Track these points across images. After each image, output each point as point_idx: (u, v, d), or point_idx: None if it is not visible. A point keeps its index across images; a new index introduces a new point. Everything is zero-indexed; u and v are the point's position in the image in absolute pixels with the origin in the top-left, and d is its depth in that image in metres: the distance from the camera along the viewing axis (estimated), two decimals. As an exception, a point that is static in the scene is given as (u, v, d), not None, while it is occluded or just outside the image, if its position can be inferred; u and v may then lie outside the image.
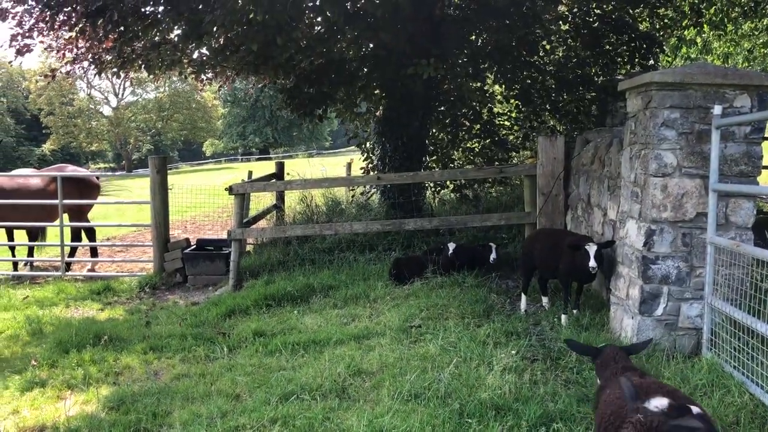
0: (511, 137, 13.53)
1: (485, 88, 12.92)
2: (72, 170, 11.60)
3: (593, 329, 6.22)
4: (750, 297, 4.79)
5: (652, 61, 12.09)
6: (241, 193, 9.49)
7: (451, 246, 8.35)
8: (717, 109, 5.13)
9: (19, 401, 5.43)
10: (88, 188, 11.32)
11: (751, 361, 4.51)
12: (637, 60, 11.87)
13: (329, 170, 19.74)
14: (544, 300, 7.12)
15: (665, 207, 5.40)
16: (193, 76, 11.54)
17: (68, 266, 11.10)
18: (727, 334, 4.92)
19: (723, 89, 5.29)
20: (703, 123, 5.31)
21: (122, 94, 61.97)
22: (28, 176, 11.29)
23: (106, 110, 61.90)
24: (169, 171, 11.15)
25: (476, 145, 13.12)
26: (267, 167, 24.03)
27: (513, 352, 5.39)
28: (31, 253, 11.44)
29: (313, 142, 71.35)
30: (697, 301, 5.42)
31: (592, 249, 5.99)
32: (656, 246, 5.44)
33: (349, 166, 18.37)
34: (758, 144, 5.35)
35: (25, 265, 11.39)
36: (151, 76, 11.78)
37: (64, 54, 11.13)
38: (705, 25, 14.96)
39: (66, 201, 10.63)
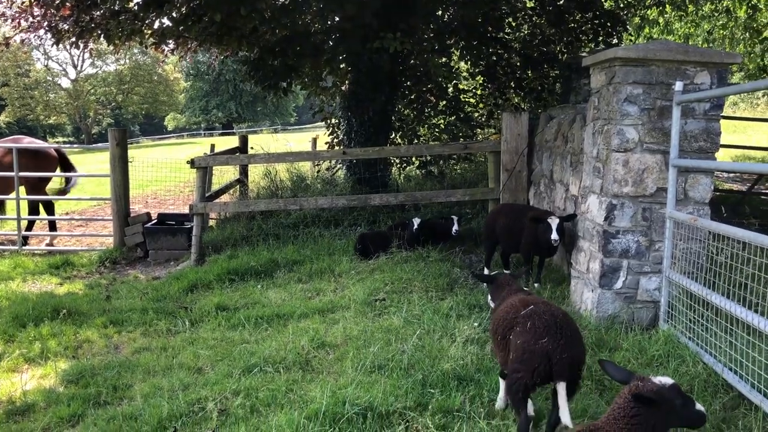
0: (476, 114, 13.57)
1: (451, 64, 12.91)
2: (29, 142, 11.26)
3: (554, 302, 6.31)
4: (706, 270, 4.91)
5: (615, 40, 12.20)
6: (203, 167, 9.34)
7: (416, 221, 8.37)
8: (678, 85, 5.20)
9: (-27, 376, 5.30)
10: (46, 161, 11.01)
11: (705, 332, 4.64)
12: (601, 38, 11.97)
13: (295, 146, 19.57)
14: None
15: (626, 182, 5.48)
16: (154, 46, 11.25)
17: (25, 240, 10.83)
18: (683, 307, 5.04)
19: (684, 66, 5.37)
20: (664, 99, 5.39)
21: (81, 66, 60.28)
22: (-18, 148, 10.93)
23: (65, 82, 60.21)
24: (130, 145, 10.93)
25: (442, 121, 13.13)
26: (230, 142, 23.70)
27: (475, 324, 5.44)
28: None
29: (277, 118, 70.56)
30: (656, 275, 5.54)
31: (554, 222, 6.08)
32: (617, 220, 5.53)
33: (314, 141, 18.24)
34: (717, 121, 5.45)
35: (-20, 239, 11.08)
36: (111, 47, 11.46)
37: (19, 22, 10.74)
38: (667, 6, 15.14)
39: (22, 174, 10.34)
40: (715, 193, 10.48)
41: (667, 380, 2.78)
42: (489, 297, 4.53)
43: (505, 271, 6.12)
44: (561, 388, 3.37)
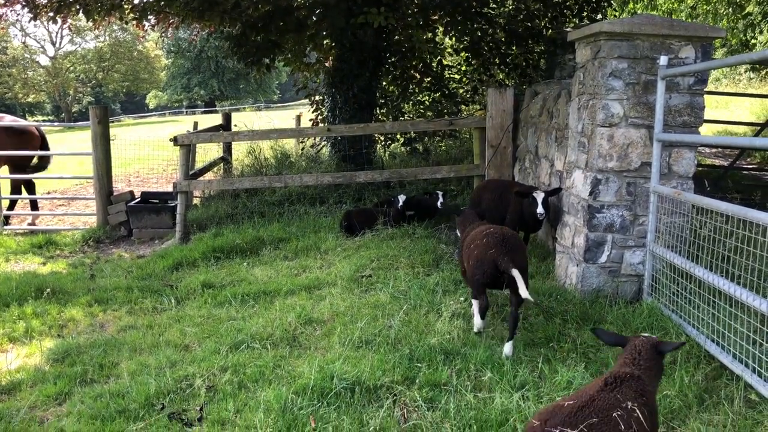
0: (461, 91, 13.53)
1: (436, 40, 12.83)
2: (10, 120, 11.07)
3: (539, 276, 6.37)
4: (690, 243, 4.96)
5: (600, 16, 12.17)
6: (186, 144, 9.25)
7: (401, 198, 8.37)
8: (663, 60, 5.21)
9: (-43, 355, 5.26)
10: (28, 140, 10.84)
11: (688, 304, 4.70)
12: (585, 14, 11.93)
13: (279, 124, 19.41)
14: (493, 250, 7.23)
15: (611, 157, 5.50)
16: (135, 22, 11.08)
17: (7, 220, 10.70)
18: (666, 280, 5.09)
19: (669, 40, 5.37)
20: (649, 74, 5.39)
21: (60, 43, 59.18)
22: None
23: (43, 60, 59.10)
24: (111, 124, 10.77)
25: (426, 98, 13.08)
26: (213, 120, 23.49)
27: (461, 299, 5.47)
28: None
29: (260, 95, 69.90)
30: (640, 249, 5.59)
31: (539, 196, 6.11)
32: (602, 195, 5.55)
33: (298, 119, 18.10)
34: (701, 95, 5.47)
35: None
36: (90, 23, 11.26)
37: (-6, -3, 10.53)
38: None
39: (3, 153, 10.18)
40: (698, 168, 10.57)
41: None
42: (457, 229, 5.56)
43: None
44: (515, 273, 4.36)
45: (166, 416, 3.98)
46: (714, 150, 15.25)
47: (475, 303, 4.89)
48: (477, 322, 4.85)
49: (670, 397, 3.83)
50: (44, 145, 11.17)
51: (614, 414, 2.60)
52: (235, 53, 10.80)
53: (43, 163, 11.39)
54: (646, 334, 3.26)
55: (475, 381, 4.19)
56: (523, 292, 4.30)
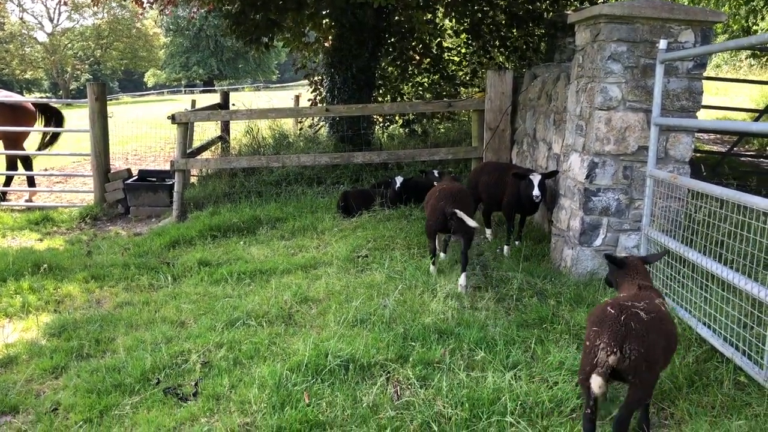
0: (460, 73, 13.48)
1: (436, 21, 12.76)
2: (5, 95, 11.02)
3: (534, 259, 6.41)
4: (684, 228, 4.98)
5: (601, -1, 12.10)
6: (184, 122, 9.22)
7: (399, 179, 8.37)
8: (662, 44, 5.18)
9: (-46, 329, 5.28)
10: (25, 115, 10.80)
11: (681, 288, 4.73)
12: (586, -3, 11.87)
13: (278, 104, 19.34)
14: (488, 232, 7.26)
15: (608, 140, 5.50)
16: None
17: (3, 196, 10.69)
18: (661, 263, 5.12)
19: (669, 24, 5.35)
20: (648, 57, 5.38)
21: (58, 20, 58.80)
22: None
23: (41, 36, 58.71)
24: (109, 102, 10.72)
25: (425, 80, 13.04)
26: (211, 99, 23.38)
27: (456, 279, 5.50)
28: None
29: (259, 75, 69.53)
30: (635, 233, 5.61)
31: (536, 178, 6.12)
32: (598, 178, 5.57)
33: (296, 99, 18.04)
34: (699, 80, 5.47)
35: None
36: (89, 0, 11.16)
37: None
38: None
39: (1, 128, 10.14)
40: (695, 154, 10.57)
41: None
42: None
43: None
44: (460, 213, 5.37)
45: (161, 391, 4.02)
46: (712, 136, 15.25)
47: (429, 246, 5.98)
48: (431, 268, 5.84)
49: (661, 379, 3.87)
50: (59, 121, 11.15)
51: (656, 301, 3.35)
52: (233, 32, 10.73)
53: (53, 140, 11.38)
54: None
55: (468, 360, 4.22)
56: (470, 222, 5.33)
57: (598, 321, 3.13)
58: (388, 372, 4.04)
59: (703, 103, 5.69)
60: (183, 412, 3.78)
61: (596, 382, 2.94)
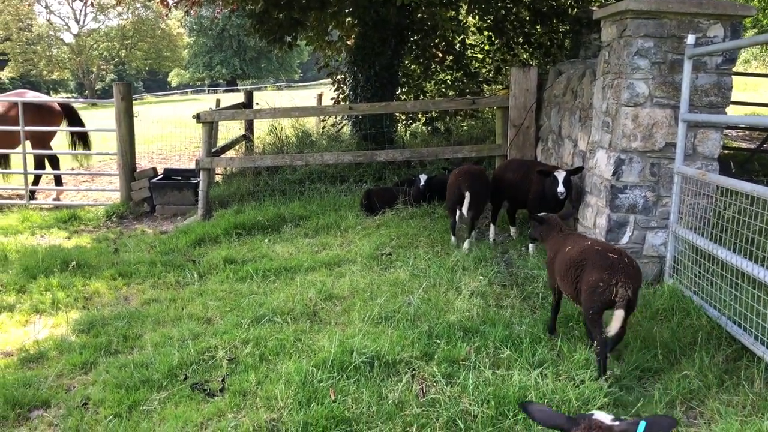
0: (484, 70, 13.42)
1: (459, 18, 12.71)
2: (33, 96, 11.19)
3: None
4: (713, 225, 4.91)
5: (627, -6, 11.96)
6: (209, 122, 9.30)
7: (423, 177, 8.36)
8: (690, 39, 5.12)
9: (-14, 325, 5.38)
10: (51, 115, 10.96)
11: (710, 286, 4.66)
12: (612, -8, 11.74)
13: (299, 103, 19.42)
14: (512, 230, 7.23)
15: (635, 137, 5.44)
16: (158, 0, 11.10)
17: (32, 195, 10.87)
18: (689, 261, 5.06)
19: (697, 18, 5.28)
20: (676, 53, 5.31)
21: (83, 21, 59.55)
22: (-14, 101, 10.88)
23: (67, 37, 59.48)
24: (134, 102, 10.81)
25: (449, 77, 13.00)
26: (235, 98, 23.56)
27: (480, 277, 5.48)
28: (-7, 182, 11.16)
29: (282, 74, 69.83)
30: (662, 230, 5.55)
31: (560, 175, 6.05)
32: (625, 175, 5.51)
33: (319, 98, 18.10)
34: (729, 75, 5.39)
35: (-11, 193, 11.13)
36: (114, 1, 11.31)
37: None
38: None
39: (27, 128, 10.31)
40: (724, 151, 10.42)
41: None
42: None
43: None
44: (466, 194, 6.32)
45: (189, 386, 4.06)
46: (741, 133, 15.00)
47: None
48: (452, 239, 6.74)
49: (690, 378, 3.82)
50: (76, 121, 11.29)
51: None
52: (257, 31, 10.79)
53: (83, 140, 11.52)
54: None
55: (493, 358, 4.21)
56: (464, 209, 6.32)
57: (606, 266, 3.89)
58: (414, 369, 4.04)
59: (732, 99, 5.60)
60: (210, 407, 3.82)
61: (619, 315, 3.71)
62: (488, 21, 11.94)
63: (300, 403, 3.64)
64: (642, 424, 2.12)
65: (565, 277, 4.24)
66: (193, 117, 9.40)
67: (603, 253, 4.00)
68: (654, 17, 5.27)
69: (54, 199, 10.91)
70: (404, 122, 12.90)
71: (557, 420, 2.29)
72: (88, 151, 11.70)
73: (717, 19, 5.27)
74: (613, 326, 3.69)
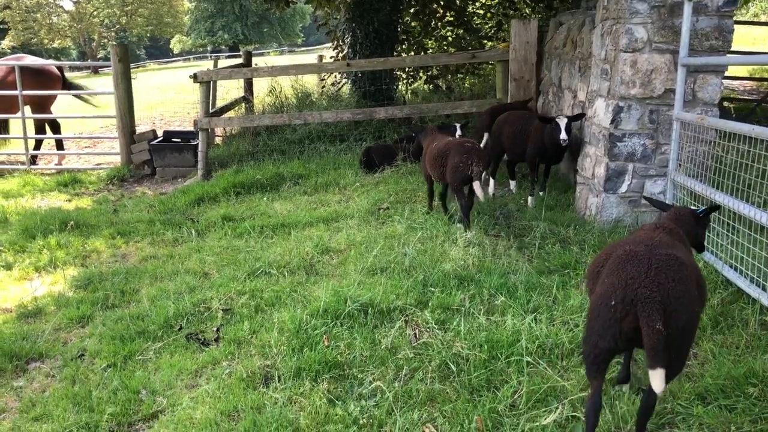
0: (486, 26, 13.21)
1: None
2: (31, 60, 11.10)
3: (558, 209, 6.32)
4: (713, 170, 4.84)
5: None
6: (206, 81, 9.22)
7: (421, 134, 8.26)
8: (690, -20, 4.99)
9: (-15, 284, 5.41)
10: (50, 80, 10.88)
11: (708, 232, 4.61)
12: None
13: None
14: (512, 184, 7.17)
15: (634, 83, 5.35)
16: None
17: (34, 159, 10.85)
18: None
19: (698, -41, 5.13)
20: (676, -5, 5.18)
21: (83, -12, 58.79)
22: (-16, 66, 10.81)
23: (67, 4, 58.90)
24: (136, 68, 10.75)
25: (449, 33, 12.81)
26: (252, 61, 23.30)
27: (477, 228, 5.45)
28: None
29: (284, 39, 69.06)
30: (661, 178, 5.48)
31: (562, 121, 5.92)
32: (623, 123, 5.43)
33: (319, 59, 17.88)
34: (730, 17, 5.25)
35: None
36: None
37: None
38: None
39: (26, 92, 10.24)
40: (728, 104, 10.26)
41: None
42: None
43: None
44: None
45: (183, 336, 4.08)
46: (748, 86, 14.77)
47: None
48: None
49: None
50: (67, 86, 11.22)
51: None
52: (254, -11, 10.61)
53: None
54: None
55: (488, 305, 4.20)
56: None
57: (464, 151, 5.38)
58: (407, 315, 4.04)
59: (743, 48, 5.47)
60: (205, 356, 3.84)
61: (476, 185, 5.30)
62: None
63: (293, 350, 3.66)
64: None
65: (434, 164, 5.71)
66: (190, 77, 9.32)
67: (461, 143, 5.58)
68: (653, -41, 5.13)
69: (56, 164, 10.90)
70: (405, 80, 12.76)
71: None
72: (88, 115, 11.67)
73: (718, -41, 5.12)
74: (478, 193, 5.27)
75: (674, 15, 5.21)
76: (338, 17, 12.75)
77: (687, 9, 5.01)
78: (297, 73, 10.30)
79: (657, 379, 2.33)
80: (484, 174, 5.38)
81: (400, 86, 12.42)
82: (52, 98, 11.28)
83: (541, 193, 6.69)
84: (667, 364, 2.34)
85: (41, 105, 10.91)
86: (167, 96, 21.92)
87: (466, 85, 12.79)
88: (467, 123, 7.97)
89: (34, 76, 10.59)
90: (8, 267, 5.72)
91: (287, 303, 4.39)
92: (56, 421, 3.31)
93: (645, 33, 5.27)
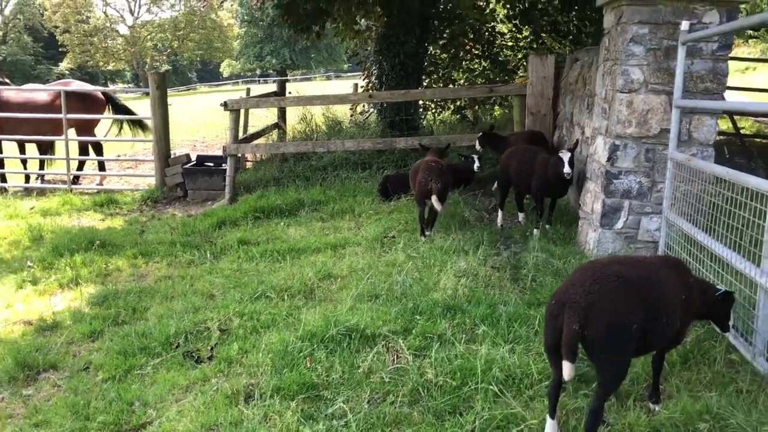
0: (517, 58, 13.41)
1: (489, 3, 12.73)
2: (77, 86, 11.77)
3: (561, 242, 6.43)
4: (703, 213, 4.92)
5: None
6: (235, 109, 9.65)
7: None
8: (684, 25, 5.15)
9: (12, 297, 5.82)
10: (94, 104, 11.50)
11: (701, 266, 4.69)
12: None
13: (341, 92, 19.66)
14: (520, 216, 7.32)
15: (630, 123, 5.50)
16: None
17: (76, 180, 11.44)
18: (679, 248, 5.09)
19: (693, 5, 5.29)
20: (671, 39, 5.34)
21: (138, 13, 61.30)
22: (35, 90, 11.52)
23: (122, 29, 61.39)
24: (186, 92, 11.34)
25: (477, 65, 13.05)
26: (286, 88, 23.91)
27: (469, 258, 5.63)
28: (41, 167, 11.80)
29: (330, 65, 70.30)
30: (657, 215, 5.59)
31: (565, 156, 6.06)
32: (619, 161, 5.58)
33: (355, 87, 18.31)
34: (724, 61, 5.38)
35: (37, 178, 11.78)
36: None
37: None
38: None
39: (69, 115, 10.86)
40: (755, 139, 10.18)
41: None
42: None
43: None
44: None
45: (181, 354, 4.37)
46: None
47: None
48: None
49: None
50: (120, 108, 11.86)
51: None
52: (285, 21, 11.08)
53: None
54: None
55: (471, 334, 4.38)
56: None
57: (426, 170, 6.53)
58: (389, 342, 4.24)
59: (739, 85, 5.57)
60: (197, 373, 4.12)
61: (434, 199, 6.38)
62: (517, 8, 11.94)
63: (276, 370, 3.90)
64: None
65: (414, 181, 6.76)
66: (221, 105, 9.78)
67: (428, 163, 6.64)
68: (648, 4, 5.31)
69: (97, 185, 11.48)
70: (433, 111, 13.03)
71: None
72: (129, 139, 12.27)
73: (712, 4, 5.27)
74: (435, 206, 6.37)
75: (669, 57, 5.36)
76: (368, 48, 13.15)
77: (681, 53, 5.16)
78: (321, 103, 10.68)
79: (567, 369, 2.94)
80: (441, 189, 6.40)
81: (428, 116, 12.69)
82: (96, 121, 11.92)
83: (547, 226, 6.83)
84: (573, 360, 2.94)
85: (85, 128, 11.55)
86: (211, 118, 22.67)
87: (495, 115, 12.99)
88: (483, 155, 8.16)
89: (80, 101, 11.23)
90: (35, 282, 6.13)
91: (281, 326, 4.64)
92: (53, 427, 3.62)
93: (641, 74, 5.43)
